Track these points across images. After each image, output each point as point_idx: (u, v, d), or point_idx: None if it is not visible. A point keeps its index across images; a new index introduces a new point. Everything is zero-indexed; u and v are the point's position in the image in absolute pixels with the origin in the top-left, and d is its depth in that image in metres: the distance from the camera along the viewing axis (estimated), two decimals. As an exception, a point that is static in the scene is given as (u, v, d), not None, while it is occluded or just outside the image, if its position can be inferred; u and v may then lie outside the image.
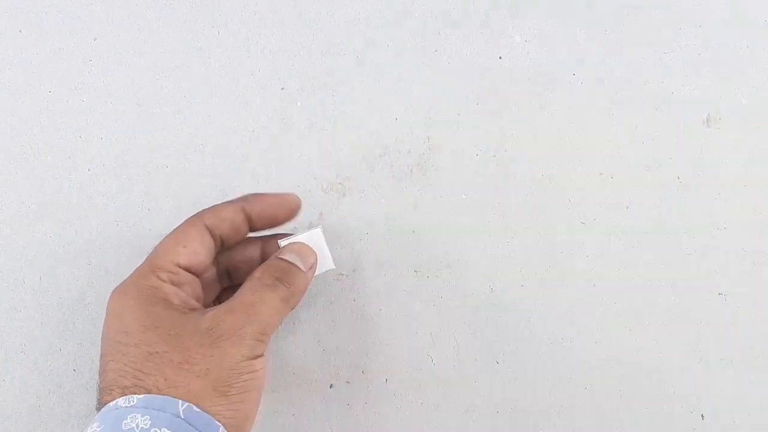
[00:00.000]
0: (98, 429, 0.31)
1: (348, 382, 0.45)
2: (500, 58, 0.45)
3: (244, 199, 0.39)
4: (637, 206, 0.45)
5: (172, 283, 0.36)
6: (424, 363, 0.45)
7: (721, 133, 0.45)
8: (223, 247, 0.39)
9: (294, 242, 0.39)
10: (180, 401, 0.32)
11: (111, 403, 0.32)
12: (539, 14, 0.45)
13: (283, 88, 0.45)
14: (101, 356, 0.35)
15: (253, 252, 0.40)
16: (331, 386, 0.45)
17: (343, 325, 0.45)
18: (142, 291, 0.35)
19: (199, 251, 0.37)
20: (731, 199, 0.45)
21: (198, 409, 0.32)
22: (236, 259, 0.40)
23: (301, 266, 0.38)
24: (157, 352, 0.33)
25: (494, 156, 0.45)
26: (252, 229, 0.39)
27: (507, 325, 0.45)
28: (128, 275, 0.37)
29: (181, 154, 0.44)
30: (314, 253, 0.39)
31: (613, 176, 0.45)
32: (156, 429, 0.31)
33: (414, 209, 0.45)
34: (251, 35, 0.45)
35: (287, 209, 0.39)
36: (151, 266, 0.36)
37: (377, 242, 0.45)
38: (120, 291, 0.36)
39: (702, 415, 0.45)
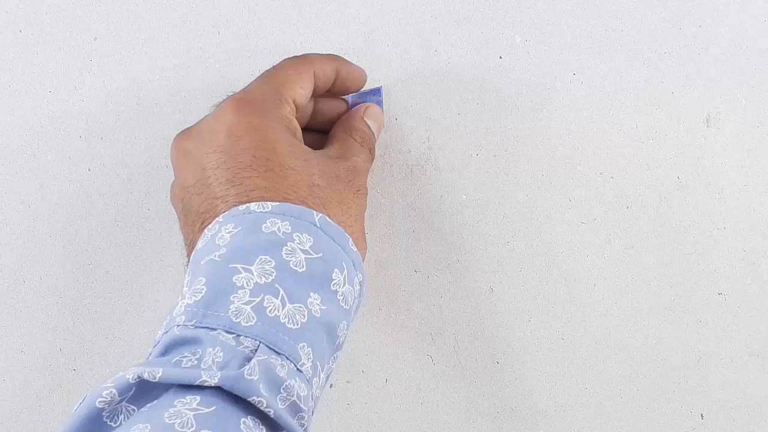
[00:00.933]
0: (234, 230, 0.31)
1: (348, 382, 0.45)
2: (500, 58, 0.45)
3: (339, 61, 0.40)
4: (637, 206, 0.45)
5: (295, 119, 0.37)
6: (424, 363, 0.45)
7: (721, 133, 0.45)
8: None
9: (373, 107, 0.41)
10: (314, 211, 0.32)
11: (241, 207, 0.32)
12: (539, 14, 0.45)
13: (283, 88, 0.45)
14: (217, 166, 0.34)
15: (341, 107, 0.42)
16: (331, 386, 0.45)
17: (343, 325, 0.45)
18: (281, 119, 0.36)
19: (307, 94, 0.38)
20: (731, 199, 0.45)
21: (331, 221, 0.33)
22: (325, 110, 0.41)
23: (376, 135, 0.41)
24: (318, 185, 0.34)
25: (494, 156, 0.45)
26: (328, 90, 0.40)
27: (507, 325, 0.45)
28: (247, 90, 0.37)
29: (181, 154, 0.44)
30: (382, 119, 0.42)
31: (613, 176, 0.45)
32: (298, 234, 0.31)
33: (414, 209, 0.45)
34: (251, 35, 0.45)
35: (360, 82, 0.41)
36: (280, 97, 0.37)
37: (377, 242, 0.44)
38: (249, 107, 0.35)
39: (702, 415, 0.45)
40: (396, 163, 0.45)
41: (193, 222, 0.35)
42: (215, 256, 0.31)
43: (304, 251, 0.31)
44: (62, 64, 0.44)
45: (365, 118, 0.40)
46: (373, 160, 0.40)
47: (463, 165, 0.45)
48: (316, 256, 0.31)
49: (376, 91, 0.42)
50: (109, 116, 0.44)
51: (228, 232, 0.32)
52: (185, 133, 0.37)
